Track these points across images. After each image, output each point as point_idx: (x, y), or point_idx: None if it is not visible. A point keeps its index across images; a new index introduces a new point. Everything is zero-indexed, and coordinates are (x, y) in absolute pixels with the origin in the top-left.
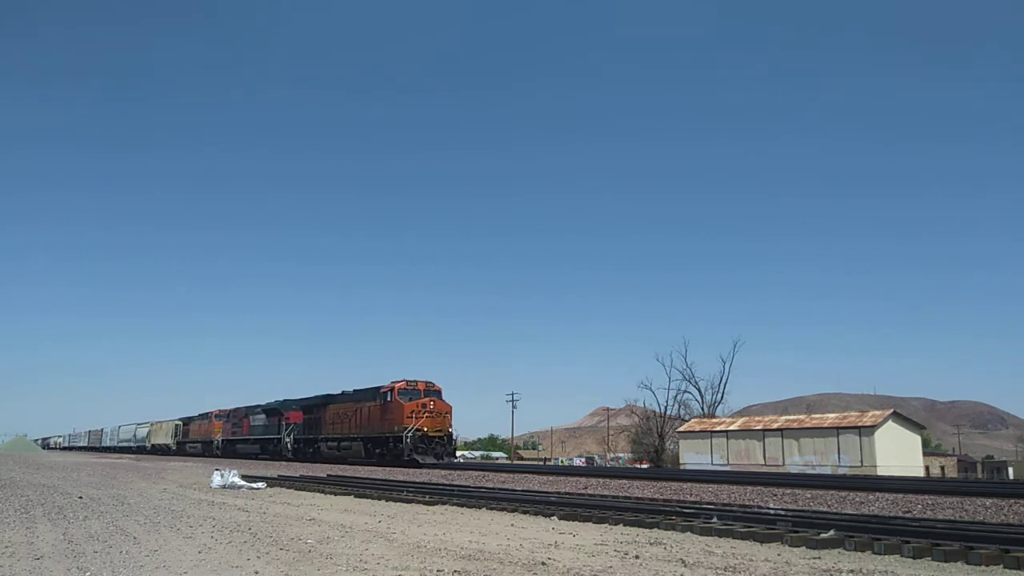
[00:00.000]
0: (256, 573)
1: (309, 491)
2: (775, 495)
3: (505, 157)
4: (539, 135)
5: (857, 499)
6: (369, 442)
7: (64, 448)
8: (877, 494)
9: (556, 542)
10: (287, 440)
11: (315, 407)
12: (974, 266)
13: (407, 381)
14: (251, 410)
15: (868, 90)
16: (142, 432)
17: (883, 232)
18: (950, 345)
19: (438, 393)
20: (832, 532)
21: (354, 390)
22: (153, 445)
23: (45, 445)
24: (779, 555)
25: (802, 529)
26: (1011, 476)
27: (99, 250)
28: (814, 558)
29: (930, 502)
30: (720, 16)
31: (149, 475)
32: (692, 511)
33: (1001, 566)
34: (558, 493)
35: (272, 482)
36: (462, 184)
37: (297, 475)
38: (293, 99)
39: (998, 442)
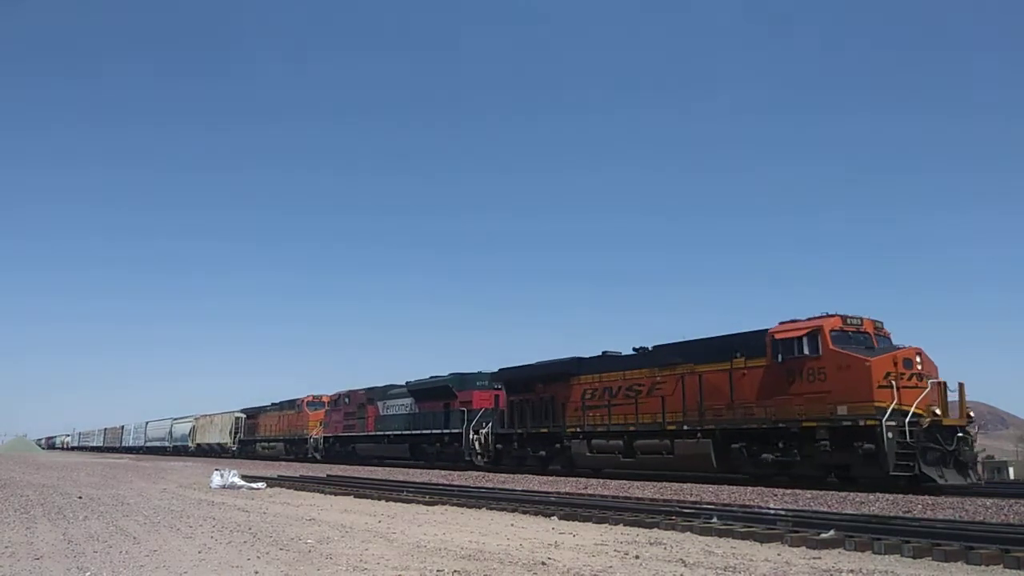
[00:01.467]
0: (256, 573)
1: (309, 491)
2: (775, 495)
3: (507, 168)
4: (538, 151)
5: (857, 499)
6: (748, 439)
7: (73, 449)
8: (877, 494)
9: (556, 542)
10: (475, 437)
11: (539, 381)
12: (974, 265)
13: (842, 317)
14: (380, 393)
15: (870, 105)
16: (182, 428)
17: (883, 232)
18: (950, 345)
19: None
20: (832, 532)
21: (637, 349)
22: (199, 445)
23: (50, 445)
24: (779, 555)
25: (802, 529)
26: (1011, 476)
27: (101, 255)
28: (814, 558)
29: (930, 502)
30: (720, 40)
31: (149, 475)
32: (692, 511)
33: (1001, 566)
34: (558, 493)
35: (272, 482)
36: (468, 200)
37: (297, 475)
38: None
39: (998, 442)
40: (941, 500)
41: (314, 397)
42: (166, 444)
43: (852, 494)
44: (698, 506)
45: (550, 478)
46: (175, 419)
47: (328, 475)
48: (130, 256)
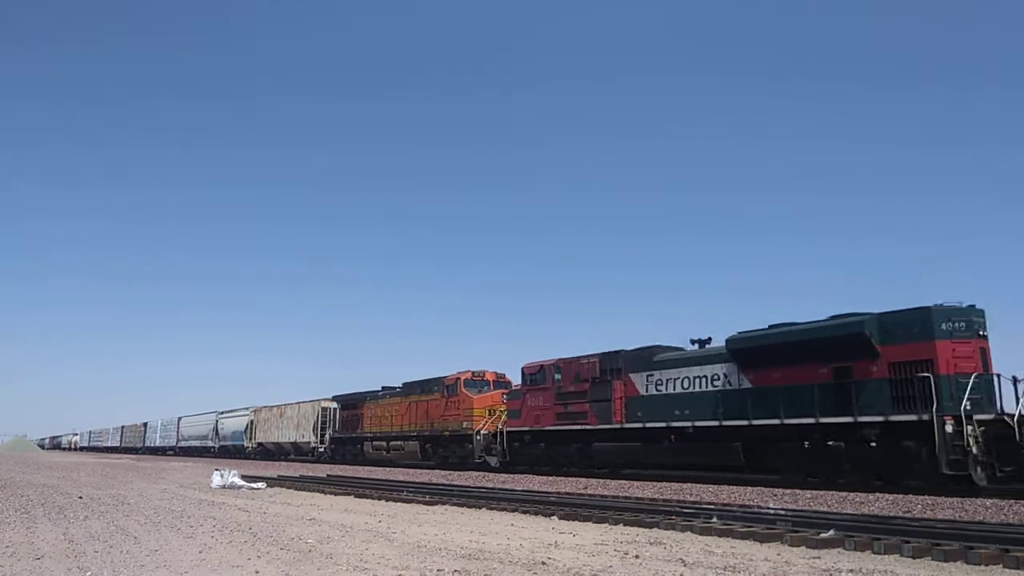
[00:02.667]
0: (256, 573)
1: (309, 491)
2: (775, 495)
3: (508, 156)
4: (537, 134)
5: (857, 499)
6: None
7: (83, 449)
8: (877, 494)
9: (556, 542)
10: (969, 431)
11: None
12: (974, 264)
13: None
14: (632, 361)
15: (876, 91)
16: (234, 424)
17: (882, 230)
18: None
19: None
20: (832, 532)
21: None
22: (262, 444)
23: (55, 445)
24: (779, 555)
25: (802, 529)
26: None
27: (107, 247)
28: (814, 558)
29: (930, 502)
30: (722, 18)
31: (149, 475)
32: (692, 511)
33: (1001, 566)
34: (558, 493)
35: (272, 482)
36: (464, 183)
37: (297, 475)
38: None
39: None
40: (941, 500)
41: (473, 374)
42: (210, 444)
43: (852, 494)
44: (698, 506)
45: (550, 478)
46: (221, 412)
47: (328, 475)
48: (134, 242)
